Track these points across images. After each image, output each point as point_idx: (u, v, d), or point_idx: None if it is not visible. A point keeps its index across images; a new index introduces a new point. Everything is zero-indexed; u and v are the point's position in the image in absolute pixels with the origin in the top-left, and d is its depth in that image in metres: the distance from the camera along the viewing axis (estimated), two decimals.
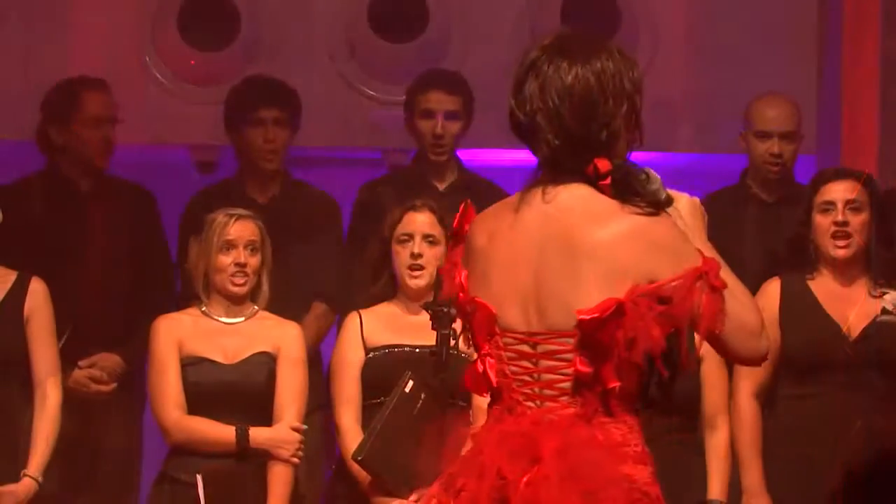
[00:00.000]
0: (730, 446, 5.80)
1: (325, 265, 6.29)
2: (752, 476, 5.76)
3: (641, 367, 3.45)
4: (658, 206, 3.46)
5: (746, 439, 5.77)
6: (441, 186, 6.48)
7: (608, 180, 3.49)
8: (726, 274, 3.43)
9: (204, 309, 5.64)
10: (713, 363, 5.74)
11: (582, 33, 3.61)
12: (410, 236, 5.71)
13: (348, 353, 5.71)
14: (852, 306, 5.82)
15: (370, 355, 5.70)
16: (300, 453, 5.51)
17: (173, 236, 6.62)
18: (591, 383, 3.47)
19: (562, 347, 3.45)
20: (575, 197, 3.49)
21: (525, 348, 3.50)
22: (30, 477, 5.73)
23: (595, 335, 3.43)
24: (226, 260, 5.61)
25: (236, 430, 5.49)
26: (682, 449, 5.76)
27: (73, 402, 6.00)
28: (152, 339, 5.72)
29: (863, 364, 5.72)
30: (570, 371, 3.46)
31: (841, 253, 5.66)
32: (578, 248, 3.45)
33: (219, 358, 5.59)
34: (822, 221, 5.69)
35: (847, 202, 5.70)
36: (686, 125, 7.66)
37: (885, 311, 5.78)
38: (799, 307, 5.82)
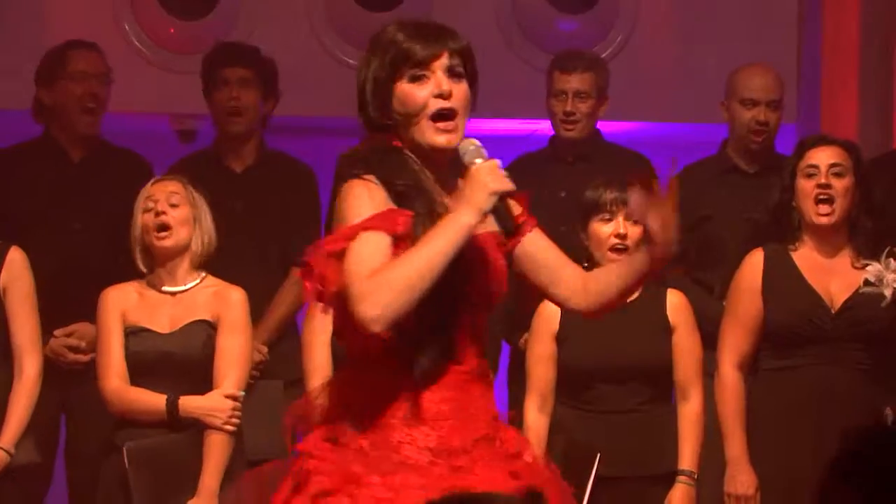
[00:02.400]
0: (702, 416, 5.69)
1: (302, 233, 6.07)
2: (736, 447, 5.69)
3: None
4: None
5: (729, 410, 5.70)
6: None
7: None
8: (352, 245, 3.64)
9: (148, 279, 5.56)
10: (684, 333, 5.66)
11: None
12: None
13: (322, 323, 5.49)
14: (835, 277, 5.77)
15: None
16: (234, 420, 5.41)
17: None
18: None
19: None
20: None
21: None
22: (2, 448, 5.63)
23: None
24: (149, 217, 5.54)
25: (167, 399, 5.44)
26: (654, 420, 5.71)
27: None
28: (98, 309, 5.73)
29: (845, 337, 5.65)
30: None
31: (824, 220, 5.62)
32: None
33: (159, 327, 5.51)
34: (805, 185, 5.68)
35: (831, 166, 5.72)
36: (665, 95, 7.63)
37: (867, 282, 5.69)
38: (782, 279, 5.75)
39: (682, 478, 5.54)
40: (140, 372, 5.55)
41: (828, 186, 5.62)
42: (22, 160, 6.53)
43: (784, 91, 6.50)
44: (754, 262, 5.71)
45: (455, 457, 3.69)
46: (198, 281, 5.49)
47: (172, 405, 5.40)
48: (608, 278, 3.83)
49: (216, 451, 5.37)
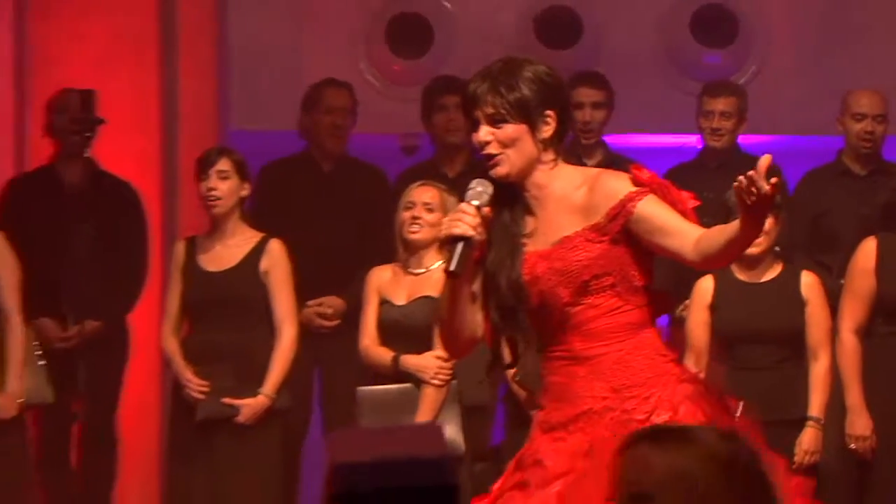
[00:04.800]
0: (829, 374, 5.65)
1: None
2: (855, 397, 5.66)
3: None
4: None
5: (849, 368, 5.67)
6: (590, 164, 6.44)
7: None
8: None
9: (402, 261, 5.62)
10: (815, 306, 5.62)
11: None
12: None
13: None
14: None
15: None
16: (442, 376, 5.41)
17: None
18: None
19: None
20: None
21: None
22: (264, 395, 5.80)
23: None
24: (406, 216, 5.59)
25: (392, 356, 5.51)
26: (789, 375, 5.70)
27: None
28: (365, 285, 5.80)
29: None
30: None
31: None
32: None
33: (398, 300, 5.56)
34: None
35: None
36: (792, 113, 7.49)
37: None
38: (893, 261, 5.71)
39: (811, 422, 5.57)
40: (384, 335, 5.62)
41: None
42: (286, 170, 6.69)
43: (888, 107, 6.44)
44: (869, 247, 5.68)
45: (553, 431, 3.63)
46: (438, 264, 5.36)
47: (395, 361, 5.48)
48: (716, 237, 3.62)
49: (427, 400, 5.42)
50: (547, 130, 3.61)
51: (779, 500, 2.48)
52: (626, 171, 3.75)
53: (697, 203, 3.70)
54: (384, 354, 5.61)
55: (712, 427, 2.79)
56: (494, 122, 3.58)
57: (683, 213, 3.60)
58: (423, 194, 5.56)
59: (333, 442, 2.22)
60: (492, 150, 3.57)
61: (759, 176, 3.31)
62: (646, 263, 3.63)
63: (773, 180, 3.31)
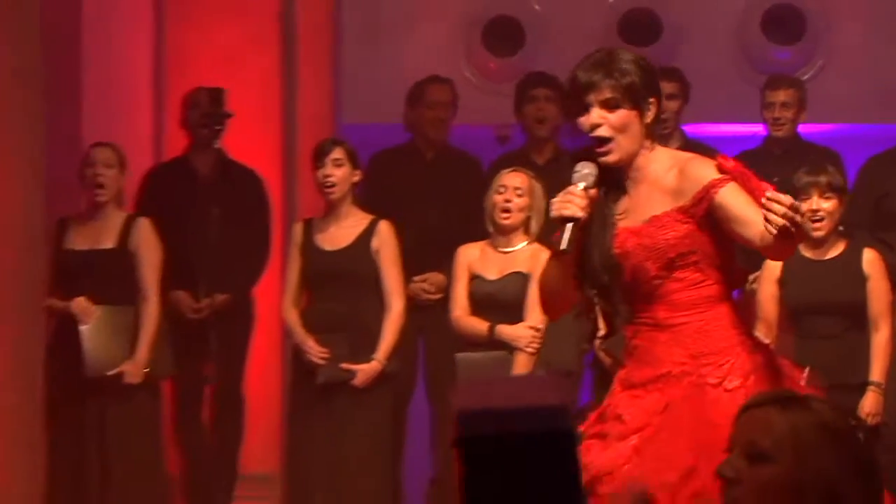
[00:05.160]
0: (889, 343, 5.64)
1: None
2: None
3: None
4: None
5: None
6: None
7: None
8: None
9: (491, 240, 5.63)
10: (876, 280, 5.59)
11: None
12: None
13: None
14: None
15: None
16: (535, 345, 5.45)
17: None
18: None
19: None
20: None
21: None
22: (377, 360, 5.86)
23: None
24: (498, 199, 5.58)
25: (487, 326, 5.52)
26: (852, 344, 5.65)
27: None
28: (454, 260, 5.84)
29: None
30: None
31: None
32: None
33: (490, 275, 5.58)
34: None
35: None
36: (853, 102, 7.40)
37: None
38: None
39: (872, 387, 5.57)
40: (476, 307, 5.68)
41: None
42: (393, 159, 6.72)
43: None
44: None
45: (633, 389, 3.62)
46: (524, 244, 5.52)
47: (490, 330, 5.54)
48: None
49: (520, 366, 5.46)
50: (650, 116, 3.54)
51: (877, 469, 2.47)
52: (710, 157, 3.69)
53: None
54: (479, 324, 5.64)
55: (827, 399, 2.74)
56: (609, 107, 3.49)
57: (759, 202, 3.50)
58: (514, 179, 5.56)
59: (460, 391, 2.22)
60: (603, 133, 3.49)
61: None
62: (727, 243, 3.57)
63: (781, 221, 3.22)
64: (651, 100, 3.53)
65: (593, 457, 3.48)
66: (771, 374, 3.56)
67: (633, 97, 3.49)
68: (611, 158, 3.50)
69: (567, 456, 2.06)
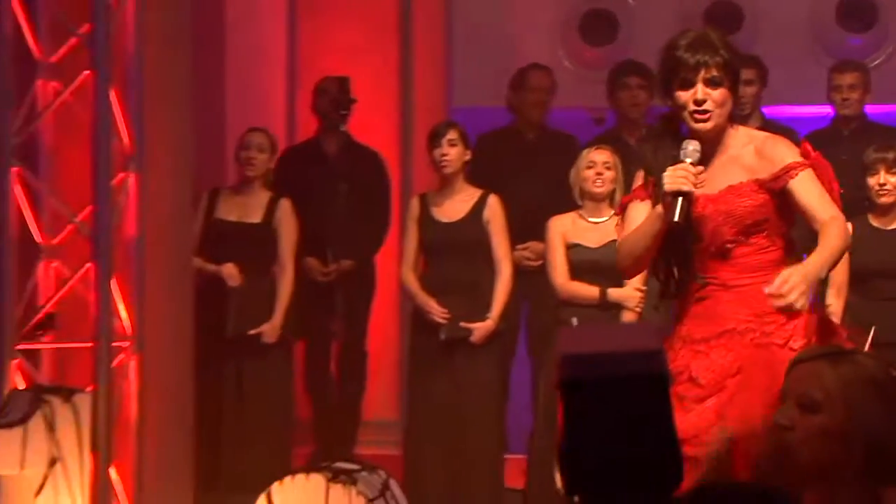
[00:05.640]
0: None
1: None
2: None
3: None
4: None
5: None
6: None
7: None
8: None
9: (581, 211, 5.65)
10: None
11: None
12: None
13: None
14: None
15: None
16: (642, 305, 5.47)
17: None
18: None
19: None
20: None
21: None
22: (492, 319, 5.90)
23: None
24: (589, 174, 5.58)
25: (600, 289, 5.55)
26: None
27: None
28: (547, 230, 5.81)
29: None
30: None
31: None
32: None
33: (590, 244, 5.58)
34: None
35: None
36: None
37: None
38: None
39: None
40: (577, 272, 5.71)
41: None
42: (498, 139, 6.73)
43: None
44: None
45: (695, 344, 3.54)
46: (612, 214, 5.43)
47: (603, 294, 5.60)
48: (820, 241, 3.49)
49: None
50: (735, 95, 3.52)
51: None
52: (786, 136, 3.73)
53: (841, 191, 3.58)
54: (590, 288, 5.65)
55: (873, 354, 2.69)
56: (713, 84, 3.43)
57: (830, 193, 3.49)
58: (601, 155, 5.57)
59: (564, 337, 2.16)
60: (708, 107, 3.42)
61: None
62: (791, 215, 3.56)
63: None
64: (739, 80, 3.53)
65: (677, 420, 3.24)
66: (826, 332, 3.56)
67: (732, 77, 3.47)
68: (707, 126, 3.44)
69: (662, 397, 2.03)
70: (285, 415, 6.20)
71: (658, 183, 3.44)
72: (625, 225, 3.60)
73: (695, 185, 3.38)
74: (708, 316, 3.52)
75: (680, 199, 3.37)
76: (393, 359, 7.07)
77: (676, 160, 3.42)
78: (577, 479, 1.98)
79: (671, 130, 3.52)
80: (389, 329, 7.08)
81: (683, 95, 3.45)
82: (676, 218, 3.38)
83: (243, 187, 6.20)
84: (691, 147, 3.43)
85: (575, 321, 5.47)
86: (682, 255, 3.51)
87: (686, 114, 3.45)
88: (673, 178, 3.38)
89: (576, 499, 1.99)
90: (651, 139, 3.63)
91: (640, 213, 3.54)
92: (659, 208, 3.43)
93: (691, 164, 3.41)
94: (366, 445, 6.61)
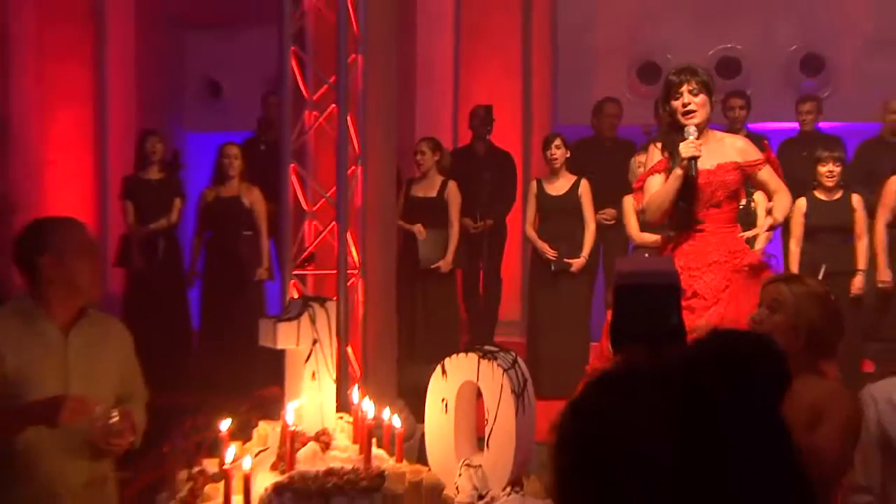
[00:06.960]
0: (867, 248, 6.15)
1: None
2: None
3: None
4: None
5: None
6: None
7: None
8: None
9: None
10: (859, 211, 6.07)
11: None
12: None
13: None
14: None
15: None
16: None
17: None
18: None
19: None
20: None
21: None
22: (583, 256, 6.38)
23: None
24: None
25: (660, 236, 5.17)
26: (847, 249, 6.14)
27: None
28: (623, 204, 6.19)
29: None
30: None
31: None
32: None
33: None
34: None
35: None
36: None
37: None
38: None
39: (859, 272, 6.14)
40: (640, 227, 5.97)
41: None
42: (586, 146, 7.16)
43: None
44: None
45: (690, 271, 3.79)
46: None
47: (656, 240, 5.50)
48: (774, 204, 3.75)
49: None
50: (711, 101, 3.90)
51: (842, 319, 2.55)
52: (756, 141, 4.10)
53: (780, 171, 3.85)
54: (652, 235, 5.86)
55: (815, 278, 2.81)
56: (694, 93, 3.81)
57: (779, 177, 3.92)
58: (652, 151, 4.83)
59: (619, 262, 2.38)
60: (692, 108, 3.79)
61: None
62: (743, 190, 3.96)
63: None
64: (712, 92, 3.93)
65: (692, 322, 3.55)
66: (761, 266, 3.86)
67: (707, 90, 3.88)
68: (697, 118, 3.82)
69: (675, 298, 2.21)
70: (453, 316, 6.81)
71: (672, 157, 3.82)
72: (646, 191, 3.90)
73: (699, 151, 3.83)
74: (699, 251, 3.87)
75: (693, 161, 3.81)
76: (517, 281, 7.76)
77: (683, 142, 3.82)
78: (620, 341, 2.17)
79: (676, 127, 3.99)
80: (514, 263, 7.72)
81: (675, 103, 3.89)
82: (692, 173, 3.80)
83: (422, 177, 6.82)
84: (692, 128, 3.85)
85: (647, 255, 5.52)
86: (689, 198, 3.86)
87: (679, 115, 3.87)
88: (686, 148, 3.81)
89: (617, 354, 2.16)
90: (667, 132, 4.01)
91: (656, 183, 3.89)
92: (677, 170, 3.81)
93: (696, 137, 3.85)
94: (501, 336, 7.06)
